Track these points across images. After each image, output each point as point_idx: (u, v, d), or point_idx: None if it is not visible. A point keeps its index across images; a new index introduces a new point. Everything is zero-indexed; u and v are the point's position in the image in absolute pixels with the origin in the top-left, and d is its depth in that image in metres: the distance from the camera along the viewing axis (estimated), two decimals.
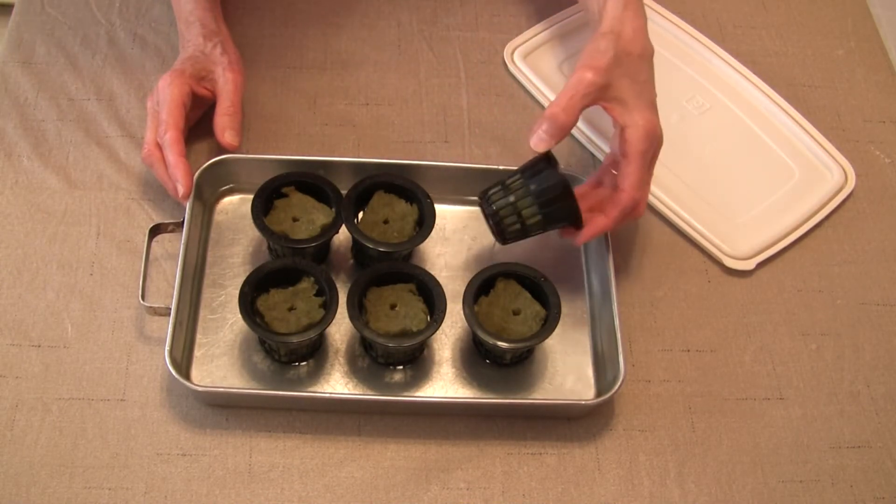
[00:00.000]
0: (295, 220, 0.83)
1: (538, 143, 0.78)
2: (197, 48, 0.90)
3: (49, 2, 1.01)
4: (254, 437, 0.78)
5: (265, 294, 0.79)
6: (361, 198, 0.85)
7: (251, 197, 0.83)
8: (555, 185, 0.78)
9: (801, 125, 0.98)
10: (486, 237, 0.86)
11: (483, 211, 0.82)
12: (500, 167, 0.88)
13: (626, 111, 0.79)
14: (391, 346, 0.77)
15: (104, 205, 0.88)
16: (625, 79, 0.79)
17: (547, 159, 0.80)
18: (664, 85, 1.01)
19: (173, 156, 0.84)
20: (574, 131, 0.95)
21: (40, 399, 0.78)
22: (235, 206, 0.89)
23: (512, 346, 0.78)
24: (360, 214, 0.85)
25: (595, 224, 0.80)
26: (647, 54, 0.82)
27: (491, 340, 0.77)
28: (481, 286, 0.80)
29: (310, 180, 0.85)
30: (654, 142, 0.79)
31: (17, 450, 0.76)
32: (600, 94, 0.79)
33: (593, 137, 0.95)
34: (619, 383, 0.77)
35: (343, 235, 0.85)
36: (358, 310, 0.78)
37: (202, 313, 0.82)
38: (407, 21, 1.04)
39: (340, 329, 0.82)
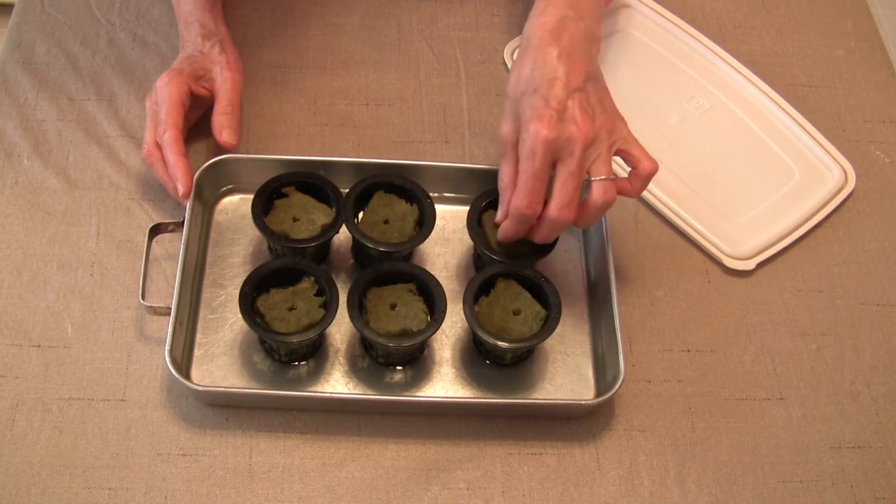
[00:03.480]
0: (295, 220, 0.83)
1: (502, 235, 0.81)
2: (196, 48, 0.90)
3: (49, 2, 1.01)
4: (254, 437, 0.78)
5: (265, 294, 0.79)
6: (361, 198, 0.85)
7: (251, 197, 0.83)
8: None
9: (801, 125, 0.98)
10: None
11: None
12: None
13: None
14: (391, 346, 0.77)
15: (104, 205, 0.88)
16: (522, 109, 0.77)
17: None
18: (664, 85, 1.01)
19: (173, 155, 0.84)
20: None
21: (40, 399, 0.78)
22: (235, 206, 0.89)
23: (512, 346, 0.78)
24: (360, 214, 0.85)
25: (537, 232, 0.79)
26: (540, 62, 0.77)
27: (491, 340, 0.77)
28: (481, 286, 0.80)
29: (310, 180, 0.85)
30: (535, 148, 0.74)
31: (17, 450, 0.76)
32: (512, 144, 0.78)
33: None
34: (619, 383, 0.77)
35: (343, 235, 0.85)
36: (358, 310, 0.78)
37: (202, 313, 0.82)
38: (407, 21, 1.04)
39: (340, 329, 0.82)
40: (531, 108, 0.76)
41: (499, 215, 0.81)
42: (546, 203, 0.77)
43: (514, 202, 0.77)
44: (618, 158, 0.80)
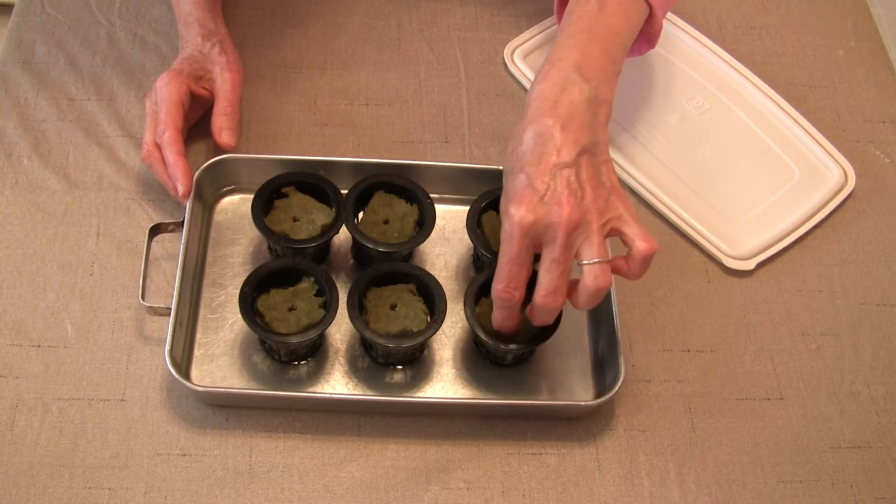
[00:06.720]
0: (295, 220, 0.83)
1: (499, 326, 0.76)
2: (195, 48, 0.90)
3: (49, 2, 1.01)
4: (254, 437, 0.78)
5: (265, 294, 0.79)
6: (361, 198, 0.85)
7: (251, 197, 0.83)
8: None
9: (801, 125, 0.98)
10: None
11: None
12: (500, 167, 0.88)
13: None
14: (391, 346, 0.77)
15: (104, 205, 0.88)
16: (507, 188, 0.73)
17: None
18: (664, 85, 1.01)
19: (172, 155, 0.84)
20: None
21: (40, 399, 0.78)
22: (235, 206, 0.89)
23: (512, 347, 0.77)
24: (360, 214, 0.85)
25: (531, 317, 0.75)
26: (531, 136, 0.72)
27: (492, 341, 0.77)
28: (482, 287, 0.80)
29: (310, 180, 0.85)
30: (513, 233, 0.70)
31: (17, 450, 0.76)
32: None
33: None
34: (618, 384, 0.77)
35: (343, 235, 0.85)
36: (358, 310, 0.78)
37: (202, 313, 0.82)
38: (407, 21, 1.04)
39: (340, 329, 0.82)
40: (513, 188, 0.71)
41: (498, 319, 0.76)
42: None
43: (493, 286, 0.73)
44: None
